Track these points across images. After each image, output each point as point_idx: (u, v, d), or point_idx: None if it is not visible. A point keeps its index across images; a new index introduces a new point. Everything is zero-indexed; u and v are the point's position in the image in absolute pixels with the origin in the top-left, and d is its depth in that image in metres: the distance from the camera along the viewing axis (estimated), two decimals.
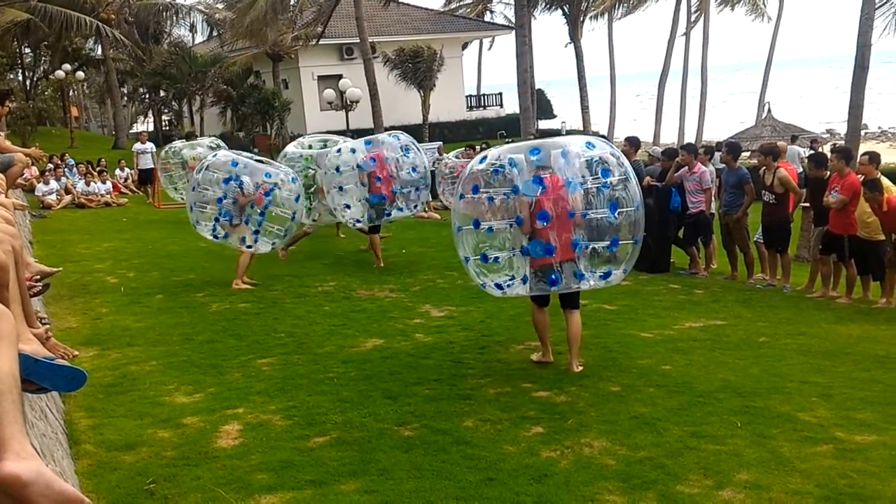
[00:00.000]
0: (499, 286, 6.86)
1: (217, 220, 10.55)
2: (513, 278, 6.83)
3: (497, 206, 6.75)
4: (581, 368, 7.03)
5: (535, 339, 7.53)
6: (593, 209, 6.59)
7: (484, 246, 6.82)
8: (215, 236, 10.74)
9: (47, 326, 3.85)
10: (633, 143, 12.53)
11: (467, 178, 6.98)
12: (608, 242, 6.63)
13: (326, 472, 4.97)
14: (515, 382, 6.67)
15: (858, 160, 10.73)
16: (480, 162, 6.96)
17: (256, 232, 10.60)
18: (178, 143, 17.80)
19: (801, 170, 22.77)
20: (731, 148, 12.24)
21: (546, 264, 6.64)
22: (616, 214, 6.59)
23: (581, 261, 6.65)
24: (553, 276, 6.65)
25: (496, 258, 6.78)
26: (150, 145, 23.26)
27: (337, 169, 11.80)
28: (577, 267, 6.65)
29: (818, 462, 5.03)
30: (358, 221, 12.05)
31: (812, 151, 21.34)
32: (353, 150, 11.87)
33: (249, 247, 10.63)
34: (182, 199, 16.30)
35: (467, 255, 6.88)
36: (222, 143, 17.48)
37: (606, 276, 6.82)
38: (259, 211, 10.57)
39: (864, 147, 21.65)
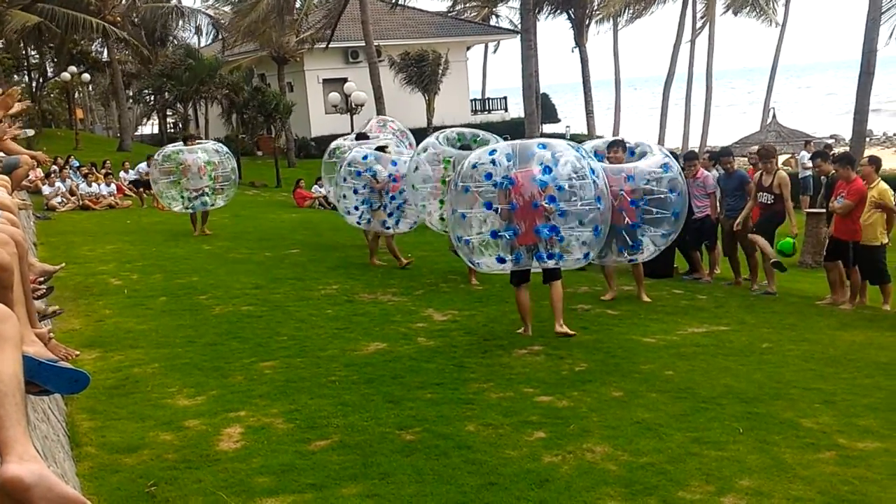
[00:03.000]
0: (500, 259, 8.04)
1: (357, 208, 12.36)
2: (499, 258, 8.03)
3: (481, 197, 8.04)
4: (564, 328, 8.12)
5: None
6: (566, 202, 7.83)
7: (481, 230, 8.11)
8: (358, 222, 12.62)
9: (49, 327, 3.85)
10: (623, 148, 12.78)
11: (464, 174, 8.15)
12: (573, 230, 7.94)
13: (328, 476, 4.98)
14: (518, 387, 6.67)
15: (860, 162, 10.74)
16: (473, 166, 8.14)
17: (390, 214, 12.27)
18: (172, 147, 16.22)
19: (809, 174, 22.82)
20: (724, 152, 12.35)
21: (525, 244, 7.90)
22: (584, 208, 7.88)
23: (545, 244, 7.89)
24: (518, 255, 7.98)
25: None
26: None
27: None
28: (545, 249, 7.90)
29: (820, 469, 5.02)
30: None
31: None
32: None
33: (389, 228, 12.40)
34: (184, 207, 15.74)
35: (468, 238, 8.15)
36: (222, 148, 16.65)
37: (586, 255, 8.27)
38: (391, 196, 12.13)
39: (868, 153, 21.61)
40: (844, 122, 37.62)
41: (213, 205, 15.87)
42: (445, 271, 11.94)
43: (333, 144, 15.05)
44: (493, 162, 7.98)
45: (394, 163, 12.17)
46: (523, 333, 8.33)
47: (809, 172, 22.76)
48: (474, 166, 8.11)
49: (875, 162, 10.36)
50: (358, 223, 12.68)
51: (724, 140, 37.69)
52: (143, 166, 23.66)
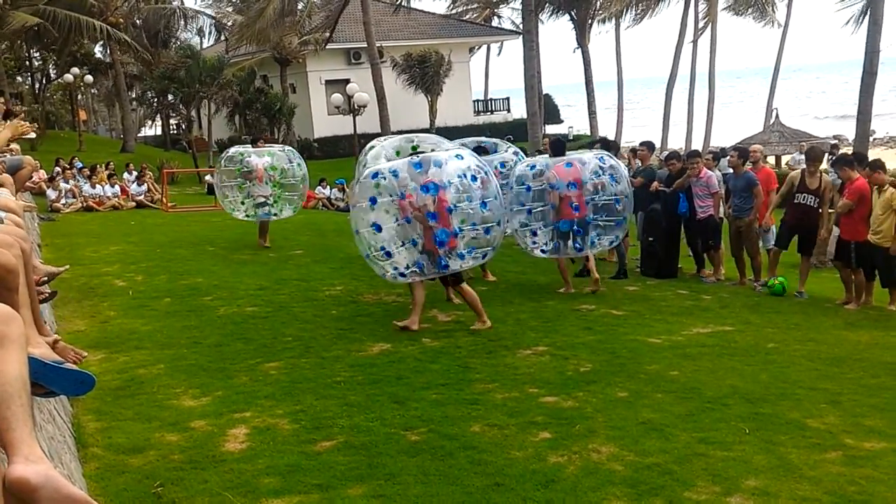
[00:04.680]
0: (402, 275, 8.61)
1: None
2: (408, 267, 8.55)
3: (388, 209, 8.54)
4: (488, 324, 8.56)
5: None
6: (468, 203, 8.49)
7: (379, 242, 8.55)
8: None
9: (56, 337, 3.84)
10: (649, 148, 13.39)
11: (361, 189, 8.60)
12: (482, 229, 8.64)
13: (333, 477, 4.97)
14: (523, 387, 6.66)
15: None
16: (371, 176, 8.55)
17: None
18: (237, 149, 14.58)
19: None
20: (741, 153, 12.21)
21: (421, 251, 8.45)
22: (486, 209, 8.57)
23: (461, 244, 8.51)
24: (419, 264, 8.50)
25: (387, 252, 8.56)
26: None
27: (527, 187, 10.45)
28: (451, 253, 8.48)
29: (827, 469, 5.01)
30: (542, 251, 10.67)
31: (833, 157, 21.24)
32: (548, 167, 10.36)
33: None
34: (246, 215, 14.32)
35: (367, 252, 8.57)
36: (294, 153, 14.87)
37: (484, 255, 8.87)
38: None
39: (872, 153, 21.56)
40: (848, 123, 37.54)
41: (276, 215, 14.34)
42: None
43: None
44: (394, 174, 8.45)
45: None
46: (407, 325, 8.58)
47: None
48: (374, 176, 8.56)
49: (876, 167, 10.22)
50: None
51: (727, 140, 37.63)
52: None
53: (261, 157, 14.07)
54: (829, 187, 10.81)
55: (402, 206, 8.43)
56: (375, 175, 8.54)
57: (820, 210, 10.72)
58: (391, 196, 8.47)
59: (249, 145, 14.75)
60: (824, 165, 23.25)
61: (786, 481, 4.83)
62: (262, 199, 14.08)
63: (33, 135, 13.83)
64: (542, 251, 10.64)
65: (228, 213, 14.83)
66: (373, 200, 8.48)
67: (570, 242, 10.47)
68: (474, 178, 8.57)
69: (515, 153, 12.52)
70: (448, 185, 8.40)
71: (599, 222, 10.38)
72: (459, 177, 8.52)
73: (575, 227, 10.31)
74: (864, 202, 10.06)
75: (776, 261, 11.51)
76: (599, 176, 10.29)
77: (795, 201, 10.94)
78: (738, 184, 11.69)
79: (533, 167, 10.62)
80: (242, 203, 14.30)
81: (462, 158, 8.82)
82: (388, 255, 8.55)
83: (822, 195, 10.71)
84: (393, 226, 8.56)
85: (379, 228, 8.48)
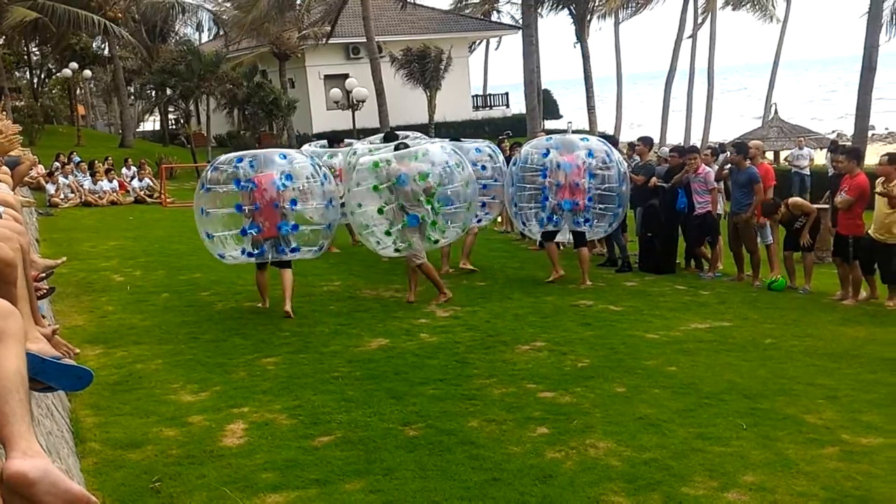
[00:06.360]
0: (250, 254, 9.42)
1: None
2: (243, 251, 9.43)
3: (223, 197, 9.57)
4: (291, 314, 9.00)
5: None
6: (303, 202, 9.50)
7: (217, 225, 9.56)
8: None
9: (55, 327, 3.86)
10: (646, 143, 13.35)
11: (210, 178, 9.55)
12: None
13: (331, 472, 4.98)
14: (521, 383, 6.67)
15: (878, 161, 10.53)
16: (213, 170, 9.59)
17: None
18: (312, 147, 13.34)
19: (807, 172, 22.79)
20: (740, 148, 12.17)
21: (263, 238, 9.21)
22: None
23: (291, 239, 9.36)
24: (262, 249, 9.30)
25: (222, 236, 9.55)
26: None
27: (534, 167, 11.19)
28: (285, 243, 9.29)
29: (824, 464, 5.01)
30: (552, 224, 11.20)
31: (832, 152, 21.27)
32: (547, 153, 11.03)
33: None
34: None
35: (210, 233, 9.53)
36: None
37: (319, 249, 9.84)
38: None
39: (871, 148, 21.56)
40: (831, 115, 37.52)
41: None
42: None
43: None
44: (236, 167, 9.36)
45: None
46: (262, 306, 9.51)
47: (807, 171, 22.73)
48: (215, 169, 9.60)
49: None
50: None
51: (726, 136, 37.64)
52: None
53: (336, 158, 12.59)
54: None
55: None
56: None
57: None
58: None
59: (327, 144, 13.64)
60: (822, 161, 23.30)
61: (783, 476, 4.84)
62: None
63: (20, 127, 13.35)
64: (541, 225, 11.25)
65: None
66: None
67: (572, 218, 11.03)
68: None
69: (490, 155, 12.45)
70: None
71: (597, 209, 11.04)
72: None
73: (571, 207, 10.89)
74: (863, 198, 10.05)
75: (774, 257, 11.53)
76: (593, 161, 10.98)
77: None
78: (739, 178, 11.64)
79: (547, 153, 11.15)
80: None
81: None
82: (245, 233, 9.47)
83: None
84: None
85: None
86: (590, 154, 11.02)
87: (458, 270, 11.76)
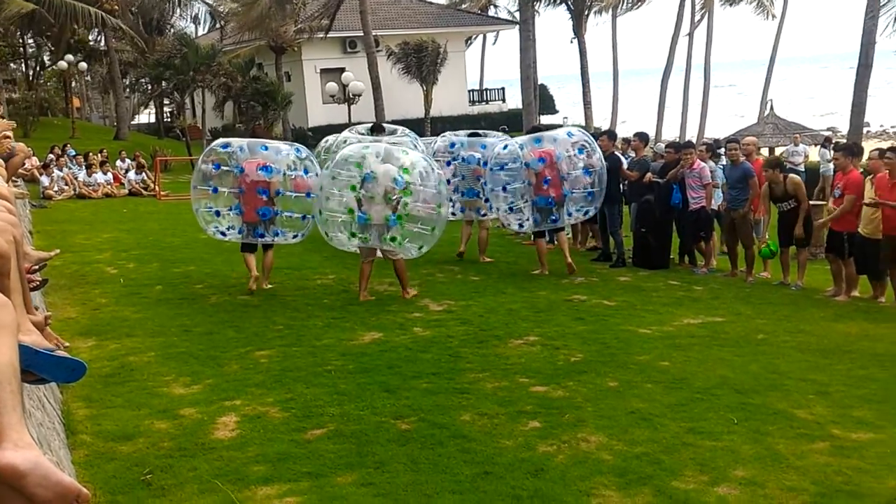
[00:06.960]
0: (222, 233, 10.27)
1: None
2: (231, 228, 10.13)
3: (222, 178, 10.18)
4: (271, 286, 10.06)
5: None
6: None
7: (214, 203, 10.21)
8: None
9: (48, 314, 3.87)
10: (642, 138, 13.40)
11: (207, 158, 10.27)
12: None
13: (323, 465, 4.99)
14: (513, 377, 6.69)
15: (868, 156, 10.57)
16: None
17: None
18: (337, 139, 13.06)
19: (802, 169, 22.81)
20: (730, 140, 12.26)
21: (248, 222, 9.90)
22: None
23: (276, 223, 10.03)
24: (259, 231, 9.99)
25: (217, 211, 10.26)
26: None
27: (502, 167, 11.32)
28: (269, 227, 10.00)
29: (814, 459, 5.04)
30: (521, 226, 11.80)
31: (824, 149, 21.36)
32: (522, 147, 11.28)
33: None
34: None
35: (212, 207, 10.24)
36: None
37: (295, 236, 10.34)
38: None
39: (866, 145, 21.57)
40: (841, 115, 37.56)
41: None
42: (441, 262, 11.94)
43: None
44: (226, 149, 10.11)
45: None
46: (251, 287, 9.90)
47: (802, 168, 22.75)
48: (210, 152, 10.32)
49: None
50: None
51: (722, 132, 37.64)
52: None
53: None
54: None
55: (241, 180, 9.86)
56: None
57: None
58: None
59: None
60: (816, 157, 23.31)
61: (773, 471, 4.86)
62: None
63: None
64: (520, 225, 11.73)
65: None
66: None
67: (548, 217, 11.30)
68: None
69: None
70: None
71: (575, 194, 11.36)
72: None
73: (551, 202, 11.14)
74: (860, 195, 10.07)
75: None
76: (570, 151, 11.28)
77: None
78: (734, 174, 11.64)
79: (506, 147, 11.51)
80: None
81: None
82: (218, 214, 10.24)
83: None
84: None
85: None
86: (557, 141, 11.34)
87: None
